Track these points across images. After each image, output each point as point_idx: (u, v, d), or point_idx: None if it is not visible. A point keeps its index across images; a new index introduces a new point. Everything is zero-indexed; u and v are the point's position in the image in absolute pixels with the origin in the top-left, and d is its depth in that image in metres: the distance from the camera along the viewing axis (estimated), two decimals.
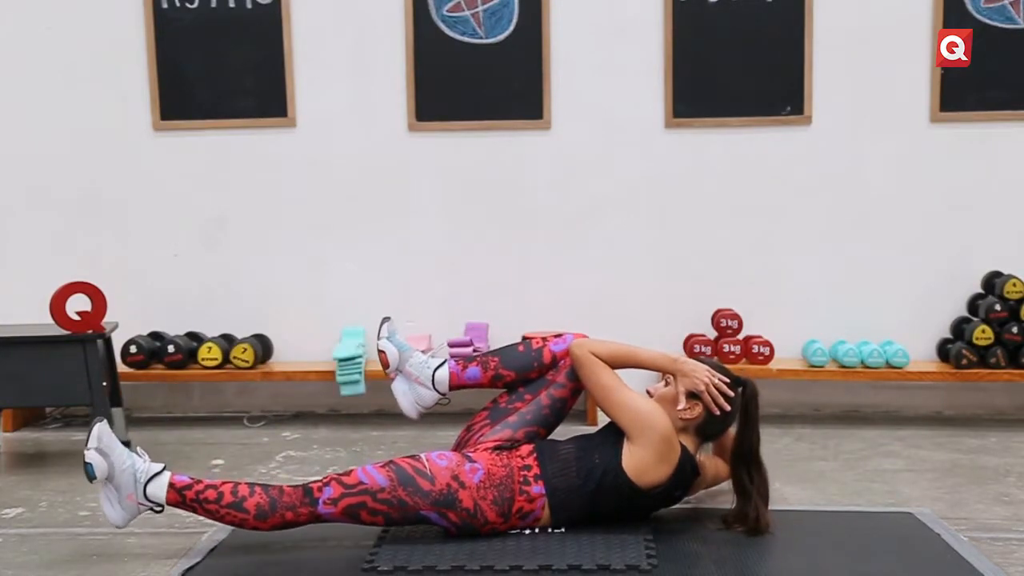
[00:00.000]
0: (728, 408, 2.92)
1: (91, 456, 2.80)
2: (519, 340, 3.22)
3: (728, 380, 2.94)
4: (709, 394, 2.90)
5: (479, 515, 2.82)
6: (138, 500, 2.83)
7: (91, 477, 2.81)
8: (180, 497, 2.82)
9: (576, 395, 3.09)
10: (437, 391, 3.17)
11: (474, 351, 4.47)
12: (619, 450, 2.86)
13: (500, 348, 3.19)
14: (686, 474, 2.90)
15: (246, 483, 2.86)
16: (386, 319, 3.26)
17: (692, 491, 3.06)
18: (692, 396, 2.92)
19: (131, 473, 2.83)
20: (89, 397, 3.91)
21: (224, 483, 2.85)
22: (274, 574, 2.69)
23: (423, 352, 3.29)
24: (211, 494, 2.81)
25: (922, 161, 4.61)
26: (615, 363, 2.98)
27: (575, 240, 4.73)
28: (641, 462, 2.83)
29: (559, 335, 3.11)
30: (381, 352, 3.21)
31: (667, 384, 2.98)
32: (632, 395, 2.91)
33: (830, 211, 4.66)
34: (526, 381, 3.08)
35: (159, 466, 2.87)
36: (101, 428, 2.85)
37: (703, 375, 2.91)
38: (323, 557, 2.80)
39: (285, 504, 2.80)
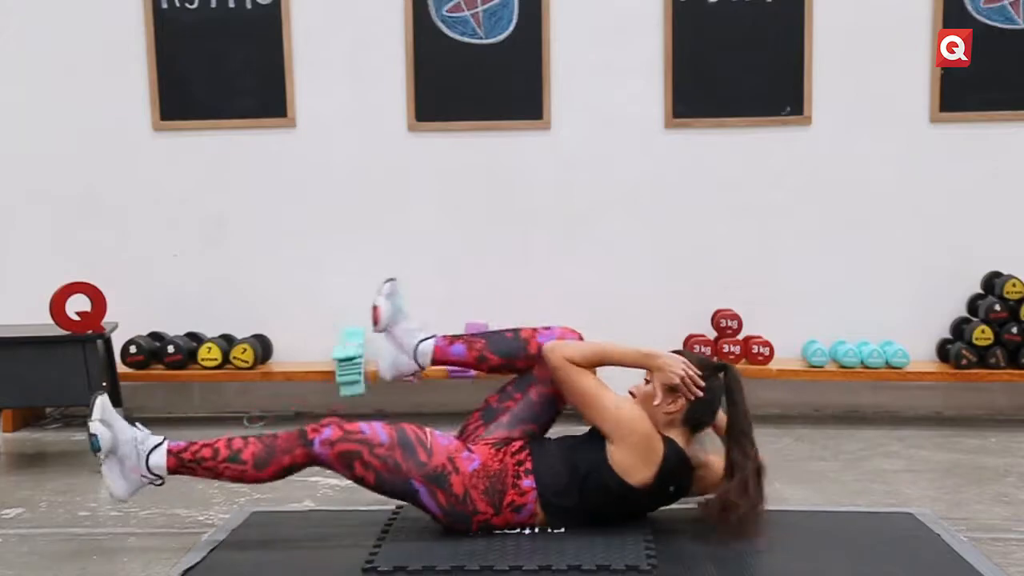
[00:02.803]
0: (701, 394, 2.88)
1: (96, 427, 2.82)
2: (507, 328, 3.19)
3: (701, 372, 2.89)
4: (684, 384, 2.86)
5: (468, 503, 2.82)
6: (141, 472, 2.84)
7: (96, 448, 2.82)
8: (179, 461, 2.83)
9: None
10: (417, 363, 3.14)
11: None
12: (604, 446, 2.85)
13: (487, 332, 3.17)
14: (674, 469, 2.87)
15: (240, 436, 2.87)
16: (391, 279, 3.22)
17: (698, 490, 3.01)
18: (671, 390, 2.89)
19: (133, 445, 2.84)
20: (89, 397, 3.89)
21: (218, 440, 2.86)
22: (274, 574, 2.69)
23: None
24: (207, 452, 2.82)
25: (922, 161, 4.61)
26: (590, 364, 2.92)
27: (575, 240, 4.73)
28: (624, 462, 2.82)
29: (548, 328, 3.09)
30: (375, 308, 3.14)
31: (647, 382, 2.95)
32: (611, 399, 2.86)
33: (830, 211, 4.66)
34: (514, 371, 3.05)
35: (159, 438, 2.88)
36: (104, 400, 2.87)
37: (678, 368, 2.87)
38: (323, 557, 2.79)
39: (281, 448, 2.80)
